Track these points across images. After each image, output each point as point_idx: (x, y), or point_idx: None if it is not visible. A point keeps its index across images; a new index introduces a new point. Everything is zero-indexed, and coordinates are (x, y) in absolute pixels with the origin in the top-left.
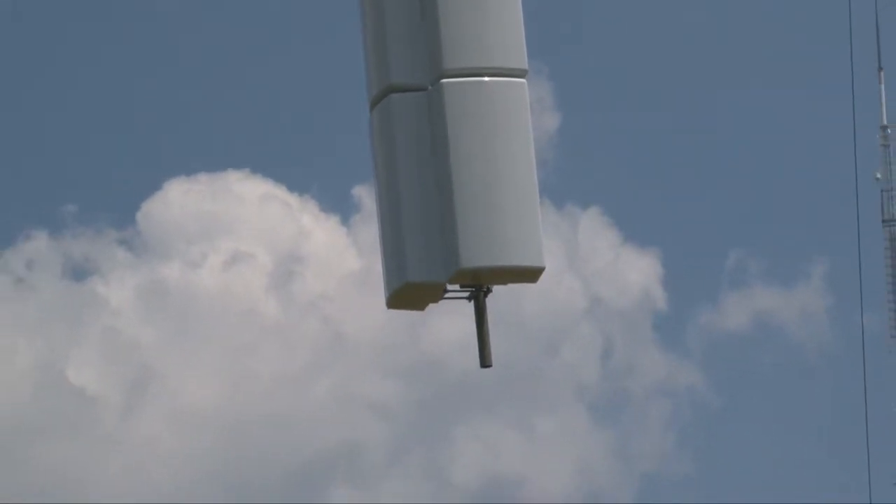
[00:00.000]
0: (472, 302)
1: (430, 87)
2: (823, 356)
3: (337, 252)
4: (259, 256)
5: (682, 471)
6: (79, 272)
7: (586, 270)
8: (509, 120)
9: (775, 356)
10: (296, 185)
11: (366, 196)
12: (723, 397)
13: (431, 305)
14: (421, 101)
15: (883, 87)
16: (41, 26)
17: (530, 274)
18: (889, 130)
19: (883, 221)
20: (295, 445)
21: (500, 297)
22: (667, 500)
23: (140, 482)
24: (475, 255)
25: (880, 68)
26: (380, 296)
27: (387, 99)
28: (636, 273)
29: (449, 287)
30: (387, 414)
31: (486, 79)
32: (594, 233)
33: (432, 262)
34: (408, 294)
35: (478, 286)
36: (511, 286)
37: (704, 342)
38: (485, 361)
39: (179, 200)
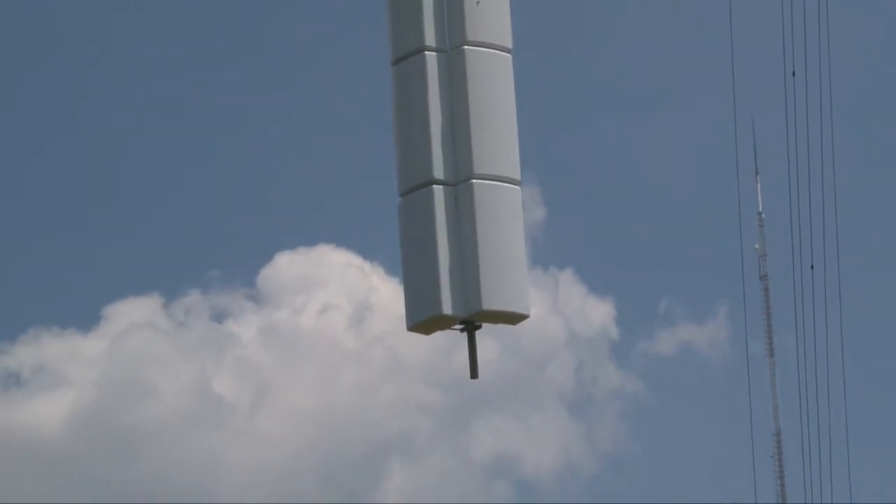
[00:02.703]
0: (466, 333)
1: (457, 184)
2: (725, 369)
3: (396, 302)
4: (342, 305)
5: (632, 450)
6: (220, 316)
7: (564, 312)
8: (511, 213)
9: (693, 371)
10: (368, 254)
11: None
12: (658, 399)
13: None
14: (451, 192)
15: (759, 185)
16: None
17: (518, 318)
18: (763, 215)
19: (760, 277)
20: (367, 433)
21: (507, 333)
22: (621, 471)
23: (261, 459)
24: (491, 300)
25: (756, 173)
26: None
27: (426, 188)
28: (598, 314)
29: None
30: (430, 412)
31: (498, 183)
32: (569, 287)
33: (458, 302)
34: (430, 323)
35: (472, 322)
36: (512, 327)
37: (645, 362)
38: (473, 375)
39: (286, 267)
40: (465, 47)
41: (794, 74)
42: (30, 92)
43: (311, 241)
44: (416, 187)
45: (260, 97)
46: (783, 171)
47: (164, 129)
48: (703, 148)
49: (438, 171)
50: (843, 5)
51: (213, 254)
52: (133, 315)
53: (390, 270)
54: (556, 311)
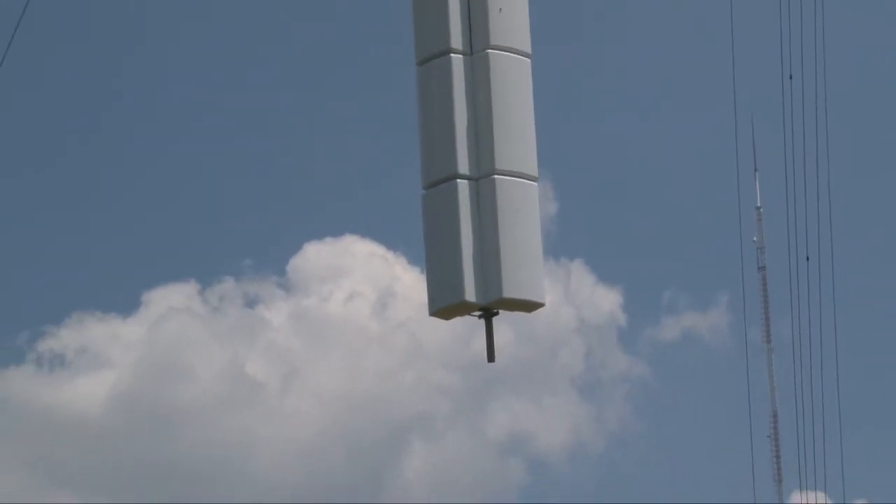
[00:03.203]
0: (484, 320)
1: (479, 179)
2: (725, 355)
3: (417, 290)
4: (367, 293)
5: (636, 429)
6: (252, 303)
7: (575, 301)
8: (528, 207)
9: (695, 356)
10: (391, 245)
11: None
12: (662, 382)
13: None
14: (473, 186)
15: (758, 182)
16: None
17: (534, 306)
18: (761, 210)
19: (758, 269)
20: (390, 413)
21: (521, 319)
22: (628, 450)
23: (290, 437)
24: (511, 289)
25: (755, 170)
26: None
27: (451, 182)
28: (606, 303)
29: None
30: (448, 393)
31: (517, 179)
32: (579, 277)
33: (479, 290)
34: (452, 309)
35: (490, 309)
36: (526, 314)
37: (650, 347)
38: (490, 358)
39: (314, 256)
40: (489, 51)
41: (791, 77)
42: (66, 78)
43: (337, 232)
44: (440, 181)
45: (291, 92)
46: (780, 169)
47: (197, 127)
48: (704, 146)
49: (463, 167)
50: (839, 12)
51: (246, 244)
52: (171, 301)
53: (412, 260)
54: (568, 300)
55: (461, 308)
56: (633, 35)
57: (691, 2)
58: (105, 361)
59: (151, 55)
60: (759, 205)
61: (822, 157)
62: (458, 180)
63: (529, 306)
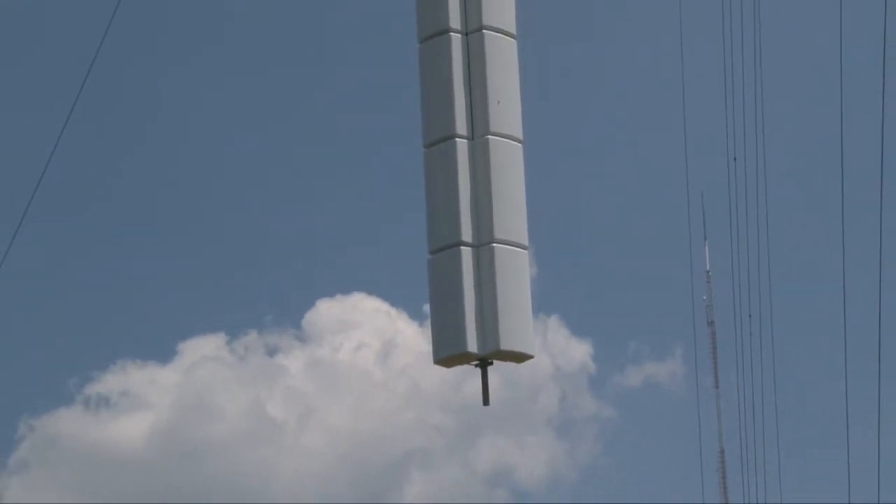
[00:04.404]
0: (480, 368)
1: (479, 247)
2: (680, 399)
3: (417, 341)
4: (373, 344)
5: (605, 464)
6: (272, 352)
7: (551, 352)
8: (520, 272)
9: (655, 399)
10: (394, 302)
11: None
12: (627, 423)
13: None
14: (475, 253)
15: (707, 249)
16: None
17: (525, 357)
18: (710, 273)
19: (708, 324)
20: (392, 447)
21: (505, 367)
22: (597, 481)
23: (306, 470)
24: (507, 342)
25: (705, 238)
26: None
27: (455, 249)
28: (578, 353)
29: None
30: (443, 431)
31: (513, 248)
32: (555, 330)
33: (479, 342)
34: (454, 358)
35: (486, 359)
36: (514, 365)
37: (617, 392)
38: (485, 402)
39: (326, 312)
40: (489, 137)
41: (735, 159)
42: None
43: (347, 290)
44: (445, 247)
45: (303, 165)
46: (726, 237)
47: (218, 202)
48: (661, 218)
49: (466, 235)
50: (777, 103)
51: (267, 301)
52: (202, 350)
53: (412, 315)
54: (545, 351)
55: (462, 358)
56: (597, 119)
57: (650, 93)
58: (144, 403)
59: (173, 120)
60: (708, 269)
61: (762, 227)
62: (462, 247)
63: (521, 357)
